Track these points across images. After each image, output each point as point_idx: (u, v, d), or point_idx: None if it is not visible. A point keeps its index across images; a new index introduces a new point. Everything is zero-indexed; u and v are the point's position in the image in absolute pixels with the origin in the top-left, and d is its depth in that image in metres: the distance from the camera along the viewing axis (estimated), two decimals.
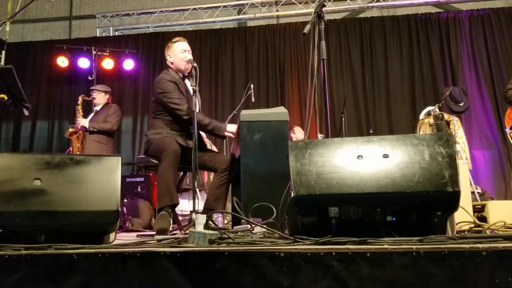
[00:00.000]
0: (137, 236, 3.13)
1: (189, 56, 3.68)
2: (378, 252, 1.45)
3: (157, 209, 3.37)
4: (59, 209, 1.95)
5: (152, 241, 1.95)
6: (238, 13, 8.52)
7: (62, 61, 8.02)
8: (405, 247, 1.46)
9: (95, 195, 2.01)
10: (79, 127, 5.82)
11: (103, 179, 2.04)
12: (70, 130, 5.86)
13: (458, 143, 5.88)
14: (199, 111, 3.68)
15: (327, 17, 2.94)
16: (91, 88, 6.17)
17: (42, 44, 8.66)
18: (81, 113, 6.05)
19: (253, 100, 5.97)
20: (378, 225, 1.84)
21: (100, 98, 6.01)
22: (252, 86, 5.94)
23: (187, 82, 3.74)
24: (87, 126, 5.77)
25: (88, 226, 2.00)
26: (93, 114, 6.01)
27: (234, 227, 2.91)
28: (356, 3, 8.12)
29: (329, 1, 7.95)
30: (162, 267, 1.53)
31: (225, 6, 8.43)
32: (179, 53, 3.69)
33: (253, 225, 2.32)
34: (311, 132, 6.23)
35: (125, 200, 5.25)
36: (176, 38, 3.80)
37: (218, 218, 3.25)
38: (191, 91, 3.49)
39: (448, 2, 8.01)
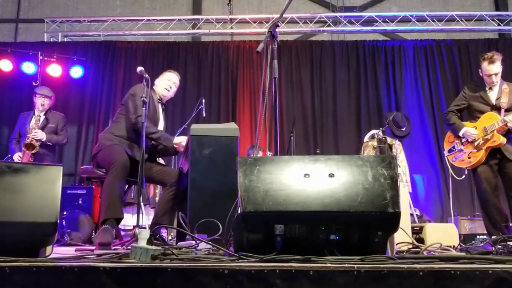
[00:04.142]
0: (76, 250, 3.00)
1: (173, 88, 4.02)
2: (320, 270, 1.47)
3: (100, 221, 3.25)
4: None
5: (92, 256, 1.88)
6: (193, 28, 8.51)
7: (6, 65, 7.65)
8: (346, 266, 1.49)
9: (33, 205, 1.92)
10: (36, 139, 5.29)
11: (42, 189, 1.96)
12: (29, 141, 5.25)
13: (400, 166, 6.11)
14: (163, 129, 3.92)
15: (280, 38, 2.99)
16: (40, 92, 5.65)
17: None
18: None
19: (204, 115, 5.93)
20: (322, 243, 1.87)
21: (47, 104, 5.63)
22: (203, 101, 5.92)
23: (159, 106, 3.92)
24: (44, 139, 5.37)
25: (24, 238, 1.90)
26: (40, 122, 5.49)
27: (179, 243, 2.86)
28: (308, 26, 8.35)
29: (282, 23, 8.12)
30: (101, 283, 1.47)
31: (179, 20, 8.41)
32: (164, 81, 3.97)
33: (198, 241, 2.29)
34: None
35: (65, 213, 5.03)
36: (171, 70, 4.14)
37: (162, 233, 3.19)
38: (161, 112, 3.83)
39: (394, 31, 8.42)
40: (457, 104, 4.42)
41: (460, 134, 4.25)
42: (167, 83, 3.97)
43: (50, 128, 5.56)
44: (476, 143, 4.13)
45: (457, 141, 4.34)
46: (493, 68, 4.16)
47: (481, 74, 4.30)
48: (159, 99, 3.95)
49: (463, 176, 4.17)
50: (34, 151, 5.27)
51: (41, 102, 5.60)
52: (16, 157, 5.38)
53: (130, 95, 3.67)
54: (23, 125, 5.55)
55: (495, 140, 4.03)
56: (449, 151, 4.41)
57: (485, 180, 4.06)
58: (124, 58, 8.20)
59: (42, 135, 5.37)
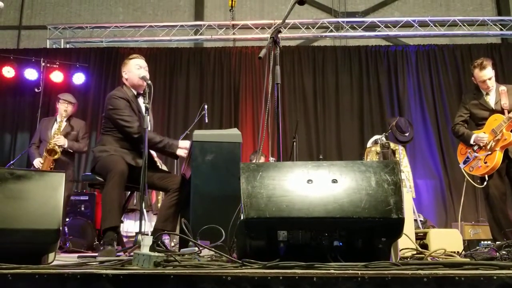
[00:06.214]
0: (78, 257, 3.00)
1: (144, 72, 3.62)
2: (324, 276, 1.46)
3: (101, 230, 3.25)
4: None
5: (94, 263, 1.87)
6: (195, 34, 8.55)
7: (8, 71, 7.68)
8: (350, 272, 1.48)
9: (35, 212, 1.92)
10: (58, 145, 5.24)
11: (45, 196, 1.95)
12: (51, 147, 5.19)
13: (403, 172, 6.08)
14: (151, 130, 3.61)
15: (282, 43, 2.99)
16: (63, 98, 5.58)
17: None
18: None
19: (206, 121, 5.95)
20: (325, 249, 1.85)
21: (69, 110, 5.58)
22: (206, 106, 5.93)
23: (140, 100, 3.66)
24: (66, 146, 5.32)
25: (26, 245, 1.90)
26: (62, 128, 5.41)
27: (181, 249, 2.85)
28: (310, 32, 8.37)
29: (285, 28, 8.14)
30: None
31: (182, 26, 8.44)
32: (134, 69, 3.63)
33: (200, 248, 2.28)
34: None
35: (67, 219, 5.03)
36: (133, 55, 3.76)
37: (165, 240, 3.18)
38: (144, 110, 3.43)
39: (397, 36, 8.43)
40: (461, 115, 4.43)
41: (472, 141, 4.24)
42: (138, 72, 3.61)
43: (73, 135, 5.51)
44: (488, 146, 4.13)
45: (469, 151, 4.32)
46: (485, 73, 4.19)
47: (475, 82, 4.33)
48: (136, 94, 3.67)
49: (485, 183, 4.13)
50: (56, 156, 5.22)
51: (64, 108, 5.54)
52: (37, 162, 5.28)
53: (112, 110, 3.49)
54: (45, 131, 5.50)
55: (506, 138, 4.05)
56: (464, 162, 4.38)
57: (493, 185, 4.08)
58: None
59: (64, 141, 5.32)
